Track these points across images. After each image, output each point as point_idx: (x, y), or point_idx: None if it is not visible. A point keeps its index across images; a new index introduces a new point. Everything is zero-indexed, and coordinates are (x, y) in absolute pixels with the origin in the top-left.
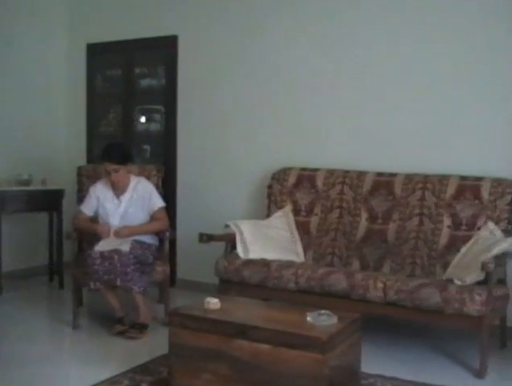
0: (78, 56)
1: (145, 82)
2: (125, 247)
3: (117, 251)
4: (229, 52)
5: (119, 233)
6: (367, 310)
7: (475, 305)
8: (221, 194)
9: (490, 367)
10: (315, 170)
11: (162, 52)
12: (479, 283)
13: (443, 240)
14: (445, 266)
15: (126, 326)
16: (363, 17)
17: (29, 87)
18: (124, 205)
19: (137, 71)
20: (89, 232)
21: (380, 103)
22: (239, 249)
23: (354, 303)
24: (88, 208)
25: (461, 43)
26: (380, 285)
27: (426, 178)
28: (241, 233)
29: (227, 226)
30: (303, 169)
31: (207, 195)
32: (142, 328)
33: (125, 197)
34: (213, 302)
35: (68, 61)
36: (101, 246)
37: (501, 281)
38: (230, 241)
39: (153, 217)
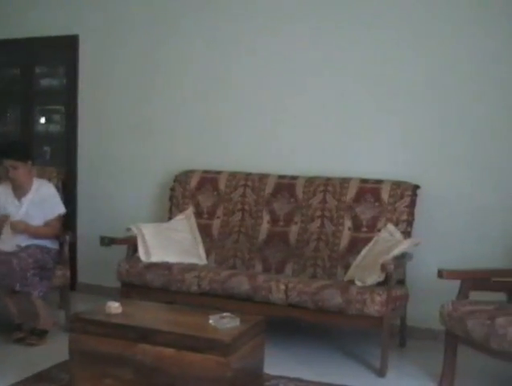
0: None
1: (45, 82)
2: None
3: (16, 255)
4: (130, 53)
5: (15, 226)
6: (270, 312)
7: (375, 305)
8: (123, 196)
9: (391, 365)
10: (218, 172)
11: (62, 52)
12: (379, 284)
13: (344, 241)
14: (346, 267)
15: (25, 332)
16: (262, 25)
17: None
18: (25, 207)
19: (37, 70)
20: None
21: (282, 107)
22: (141, 252)
23: (257, 305)
24: None
25: (359, 51)
26: (282, 287)
27: (327, 181)
28: (143, 236)
29: (129, 229)
30: (206, 171)
31: (109, 197)
32: (41, 334)
33: (27, 199)
34: (115, 307)
35: None
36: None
37: (401, 282)
38: (132, 244)
39: (46, 223)
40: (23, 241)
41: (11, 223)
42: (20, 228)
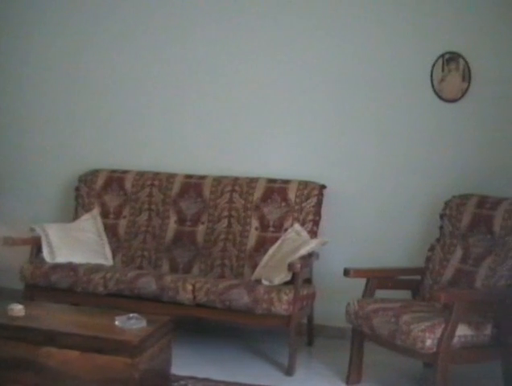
0: None
1: None
2: None
3: None
4: (30, 42)
5: None
6: (178, 312)
7: (283, 304)
8: (27, 195)
9: (299, 363)
10: (125, 172)
11: None
12: (286, 283)
13: (251, 241)
14: (254, 267)
15: None
16: (198, 19)
17: None
18: None
19: None
20: None
21: (190, 105)
22: (45, 253)
23: (165, 306)
24: None
25: (266, 50)
26: (189, 287)
27: (234, 181)
28: (47, 236)
29: (32, 229)
30: (113, 171)
31: (11, 196)
32: None
33: None
34: (18, 309)
35: None
36: None
37: (308, 281)
38: (36, 245)
39: None
40: None
41: None
42: None
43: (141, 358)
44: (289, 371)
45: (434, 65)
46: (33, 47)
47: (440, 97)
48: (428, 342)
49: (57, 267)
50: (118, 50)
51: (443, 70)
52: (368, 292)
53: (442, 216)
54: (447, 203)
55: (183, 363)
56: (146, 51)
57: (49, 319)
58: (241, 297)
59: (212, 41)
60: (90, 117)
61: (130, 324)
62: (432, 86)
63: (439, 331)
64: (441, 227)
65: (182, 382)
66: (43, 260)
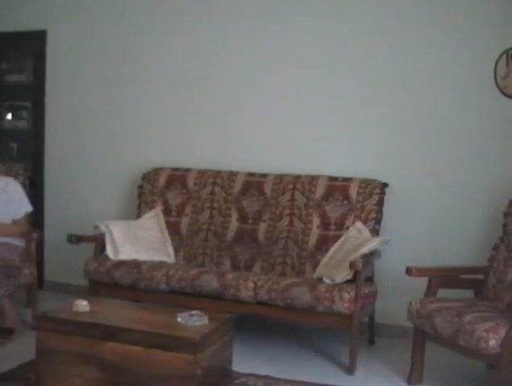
0: None
1: (12, 78)
2: None
3: None
4: (98, 49)
5: None
6: (239, 309)
7: (344, 303)
8: (92, 194)
9: (359, 362)
10: (187, 170)
11: (30, 47)
12: (348, 281)
13: (312, 239)
14: (315, 265)
15: None
16: (232, 25)
17: None
18: None
19: (3, 66)
20: None
21: (251, 104)
22: (109, 250)
23: (226, 303)
24: None
25: (329, 50)
26: (251, 284)
27: (296, 179)
28: (111, 234)
29: (96, 227)
30: (175, 169)
31: (77, 194)
32: (8, 333)
33: None
34: (82, 305)
35: None
36: None
37: (370, 279)
38: (100, 242)
39: (13, 222)
40: None
41: None
42: None
43: (203, 355)
44: (350, 370)
45: (498, 61)
46: (97, 46)
47: (504, 94)
48: (492, 343)
49: (120, 264)
50: (181, 50)
51: (507, 65)
52: (430, 291)
53: (506, 214)
54: (511, 201)
55: (244, 361)
56: (208, 51)
57: (113, 315)
58: (303, 296)
59: (272, 43)
60: (153, 117)
61: (192, 321)
62: (496, 82)
63: (503, 332)
64: (504, 226)
65: (243, 379)
66: (106, 257)
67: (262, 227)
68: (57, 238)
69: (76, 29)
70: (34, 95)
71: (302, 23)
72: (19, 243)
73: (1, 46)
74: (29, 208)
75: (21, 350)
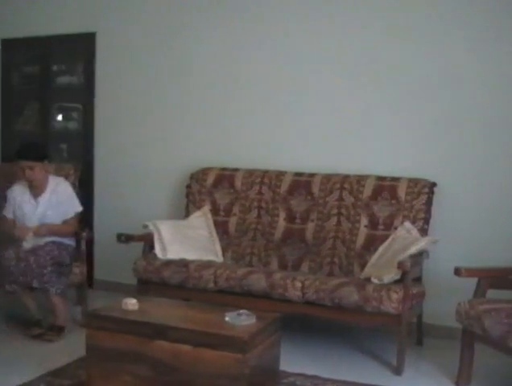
0: None
1: (62, 79)
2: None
3: (33, 252)
4: (147, 50)
5: (38, 232)
6: (286, 309)
7: (392, 303)
8: (140, 193)
9: (407, 363)
10: (235, 170)
11: (80, 49)
12: (396, 282)
13: (360, 239)
14: (363, 265)
15: (44, 328)
16: (276, 24)
17: None
18: (42, 207)
19: (54, 68)
20: (12, 234)
21: (299, 104)
22: (157, 249)
23: (274, 303)
24: (10, 212)
25: (379, 48)
26: (298, 284)
27: (344, 179)
28: (160, 233)
29: (145, 226)
30: (223, 169)
31: (125, 194)
32: (59, 330)
33: (43, 198)
34: (131, 303)
35: None
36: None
37: (418, 280)
38: (149, 241)
39: (64, 221)
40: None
41: (33, 232)
42: (43, 232)
43: (251, 354)
44: (397, 371)
45: None
46: (145, 47)
47: None
48: None
49: (169, 263)
50: (227, 50)
51: None
52: (479, 292)
53: None
54: None
55: (292, 360)
56: (253, 50)
57: (161, 314)
58: (351, 296)
59: (317, 41)
60: (202, 117)
61: (240, 320)
62: None
63: None
64: None
65: (290, 379)
66: (155, 257)
67: (310, 226)
68: (106, 237)
69: (124, 30)
70: (84, 96)
71: (345, 21)
72: (70, 242)
73: (52, 48)
74: (79, 208)
75: (71, 347)
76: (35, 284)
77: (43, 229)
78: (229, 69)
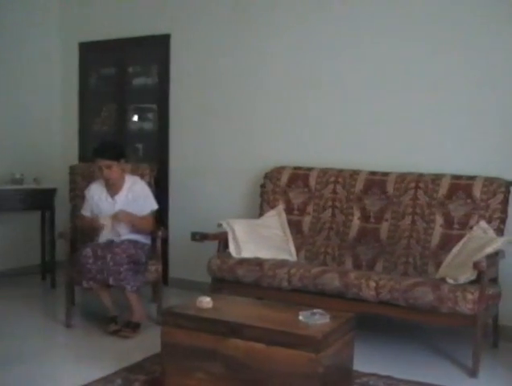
0: (71, 55)
1: (138, 81)
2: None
3: (110, 250)
4: (221, 51)
5: (118, 216)
6: (360, 309)
7: (467, 303)
8: (214, 193)
9: (482, 365)
10: (309, 169)
11: (155, 51)
12: (472, 282)
13: (435, 239)
14: (438, 265)
15: (120, 325)
16: (358, 14)
17: (22, 87)
18: (119, 205)
19: (130, 69)
20: (91, 230)
21: (372, 103)
22: (231, 248)
23: (347, 302)
24: (87, 211)
25: (455, 43)
26: (373, 284)
27: (418, 178)
28: (234, 232)
29: (220, 225)
30: (297, 168)
31: (200, 193)
32: (135, 327)
33: (120, 196)
34: (206, 301)
35: (61, 60)
36: (101, 238)
37: (494, 280)
38: (223, 240)
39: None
40: (123, 233)
41: (113, 216)
42: (122, 217)
43: (325, 353)
44: (473, 373)
45: None
46: (218, 48)
47: None
48: None
49: (243, 262)
50: (300, 50)
51: None
52: None
53: None
54: None
55: (365, 360)
56: (327, 49)
57: (235, 312)
58: (425, 296)
59: (389, 41)
60: (275, 116)
61: (314, 319)
62: None
63: None
64: None
65: (364, 379)
66: (229, 255)
67: (385, 226)
68: (181, 236)
69: (198, 31)
70: (159, 97)
71: (416, 17)
72: (146, 241)
73: (128, 50)
74: (155, 206)
75: (147, 343)
76: (112, 281)
77: (122, 214)
78: (303, 68)
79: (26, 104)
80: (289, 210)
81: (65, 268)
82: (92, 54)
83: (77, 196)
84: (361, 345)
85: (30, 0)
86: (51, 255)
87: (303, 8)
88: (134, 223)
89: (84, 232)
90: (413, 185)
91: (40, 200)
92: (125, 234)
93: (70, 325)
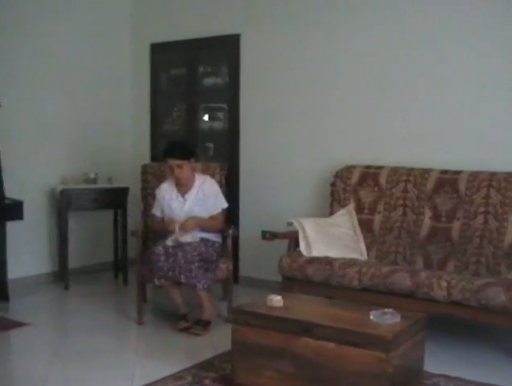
0: (142, 56)
1: (208, 80)
2: (191, 238)
3: (181, 248)
4: (291, 50)
5: (185, 226)
6: (431, 309)
7: None
8: (284, 191)
9: None
10: (379, 167)
11: (225, 51)
12: None
13: (508, 238)
14: (511, 265)
15: (190, 322)
16: (431, 14)
17: (94, 87)
18: (189, 203)
19: (200, 69)
20: (162, 230)
21: (443, 100)
22: (302, 247)
23: (418, 302)
24: (158, 210)
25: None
26: (444, 283)
27: (491, 176)
28: (304, 231)
29: (290, 223)
30: (367, 167)
31: (269, 192)
32: (205, 325)
33: (190, 196)
34: (276, 300)
35: (132, 61)
36: (171, 240)
37: None
38: (293, 239)
39: (210, 218)
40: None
41: (180, 226)
42: (190, 226)
43: (395, 353)
44: None
45: None
46: (287, 47)
47: None
48: None
49: (313, 260)
50: (370, 49)
51: None
52: None
53: None
54: None
55: (436, 361)
56: (395, 48)
57: (306, 311)
58: (497, 296)
59: (465, 40)
60: (345, 115)
61: (385, 319)
62: None
63: None
64: None
65: (434, 379)
66: (299, 254)
67: (456, 225)
68: (251, 234)
69: (268, 31)
70: (229, 96)
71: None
72: (216, 239)
73: (198, 51)
74: (225, 204)
75: (217, 341)
76: (183, 279)
77: (191, 223)
78: (374, 68)
79: (99, 105)
80: (359, 209)
81: (137, 265)
82: (163, 55)
83: (149, 195)
84: (431, 345)
85: (103, 3)
86: (123, 253)
87: (374, 8)
88: (203, 225)
89: (156, 231)
90: (485, 184)
91: (113, 199)
92: (193, 238)
93: (141, 322)
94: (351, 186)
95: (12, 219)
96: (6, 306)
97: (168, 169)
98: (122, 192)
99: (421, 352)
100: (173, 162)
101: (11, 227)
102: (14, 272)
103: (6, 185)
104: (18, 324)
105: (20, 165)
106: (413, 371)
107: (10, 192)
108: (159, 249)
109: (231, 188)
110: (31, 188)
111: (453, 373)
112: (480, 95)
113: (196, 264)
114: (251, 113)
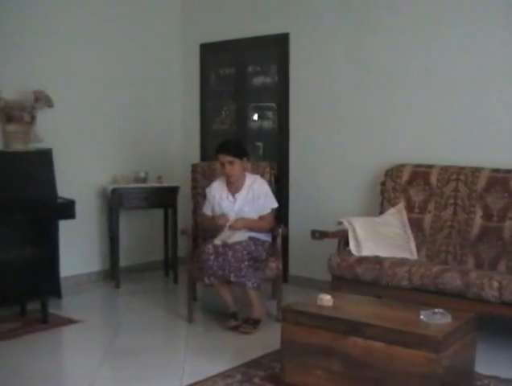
0: (192, 56)
1: (257, 80)
2: (240, 237)
3: (231, 247)
4: (341, 49)
5: (233, 226)
6: (482, 309)
7: None
8: (334, 190)
9: None
10: (429, 166)
11: (274, 50)
12: None
13: None
14: None
15: (240, 321)
16: (487, 13)
17: (145, 87)
18: (239, 203)
19: (249, 69)
20: (212, 227)
21: (495, 100)
22: (352, 246)
23: (468, 302)
24: (208, 209)
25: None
26: (495, 284)
27: None
28: (354, 230)
29: (340, 223)
30: (417, 165)
31: (319, 191)
32: (255, 323)
33: (241, 195)
34: (326, 299)
35: (182, 61)
36: (219, 239)
37: None
38: (343, 238)
39: (260, 217)
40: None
41: (229, 226)
42: (238, 226)
43: (445, 353)
44: None
45: None
46: (337, 46)
47: None
48: None
49: (363, 260)
50: (421, 45)
51: None
52: None
53: None
54: None
55: (487, 362)
56: (443, 45)
57: (355, 310)
58: None
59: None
60: (396, 114)
61: (435, 319)
62: None
63: None
64: None
65: (484, 381)
66: (349, 253)
67: (508, 224)
68: (301, 233)
69: (317, 30)
70: (278, 96)
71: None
72: (266, 238)
73: (247, 50)
74: (275, 204)
75: (266, 340)
76: (233, 278)
77: (240, 223)
78: (426, 67)
79: (149, 105)
80: (409, 208)
81: (187, 264)
82: (213, 54)
83: (199, 194)
84: (482, 346)
85: (153, 3)
86: (173, 251)
87: (425, 5)
88: (252, 227)
89: (206, 229)
90: None
91: (163, 198)
92: (241, 237)
93: (192, 320)
94: (401, 185)
95: (64, 218)
96: (58, 304)
97: (219, 165)
98: (172, 191)
99: (472, 353)
100: (224, 158)
101: (63, 225)
102: (66, 270)
103: (58, 184)
104: (70, 321)
105: (72, 164)
106: (463, 373)
107: (63, 191)
108: (209, 248)
109: (280, 187)
110: (83, 187)
111: (504, 375)
112: None
113: (246, 263)
114: (301, 112)
